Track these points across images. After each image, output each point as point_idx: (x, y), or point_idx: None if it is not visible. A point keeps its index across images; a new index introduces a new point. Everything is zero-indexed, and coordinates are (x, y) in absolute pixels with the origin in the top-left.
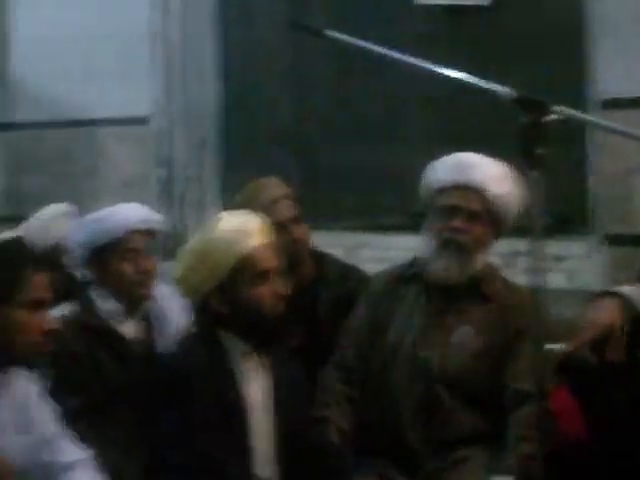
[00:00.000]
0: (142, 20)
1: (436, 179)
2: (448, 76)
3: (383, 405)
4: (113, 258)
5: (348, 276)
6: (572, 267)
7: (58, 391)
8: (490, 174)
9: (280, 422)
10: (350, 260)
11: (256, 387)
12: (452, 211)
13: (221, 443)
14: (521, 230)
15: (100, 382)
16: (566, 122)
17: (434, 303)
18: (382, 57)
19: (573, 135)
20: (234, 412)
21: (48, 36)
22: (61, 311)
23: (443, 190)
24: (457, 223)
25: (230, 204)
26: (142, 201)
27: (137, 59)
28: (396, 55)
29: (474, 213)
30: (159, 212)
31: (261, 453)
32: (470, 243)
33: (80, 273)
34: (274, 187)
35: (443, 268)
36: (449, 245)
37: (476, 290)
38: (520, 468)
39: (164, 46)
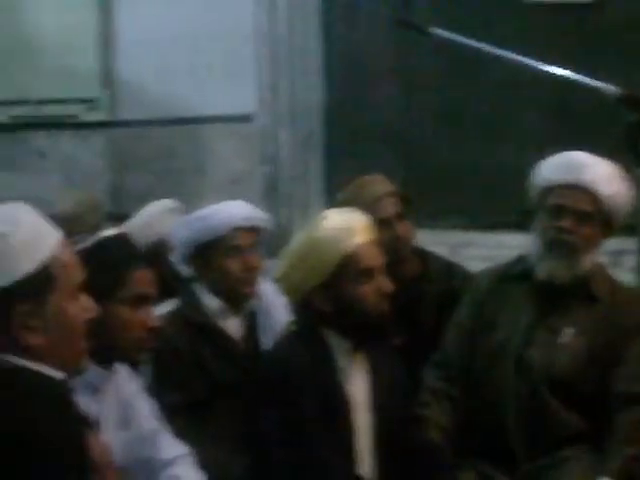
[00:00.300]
0: (247, 18)
1: (545, 178)
2: (554, 74)
3: (486, 404)
4: (217, 255)
5: (452, 274)
6: None
7: (159, 387)
8: (600, 174)
9: (379, 421)
10: (455, 258)
11: (358, 385)
12: (560, 211)
13: (325, 442)
14: (628, 228)
15: (202, 379)
16: None
17: (540, 303)
18: (488, 55)
19: None
20: (338, 411)
21: (153, 36)
22: (165, 308)
23: (552, 189)
24: (565, 223)
25: (334, 202)
26: (246, 199)
27: (242, 57)
28: (502, 53)
29: (583, 213)
30: (263, 210)
31: (362, 452)
32: (578, 243)
33: (184, 270)
34: (378, 184)
35: (549, 268)
36: (556, 245)
37: (583, 290)
38: (625, 470)
39: (269, 44)
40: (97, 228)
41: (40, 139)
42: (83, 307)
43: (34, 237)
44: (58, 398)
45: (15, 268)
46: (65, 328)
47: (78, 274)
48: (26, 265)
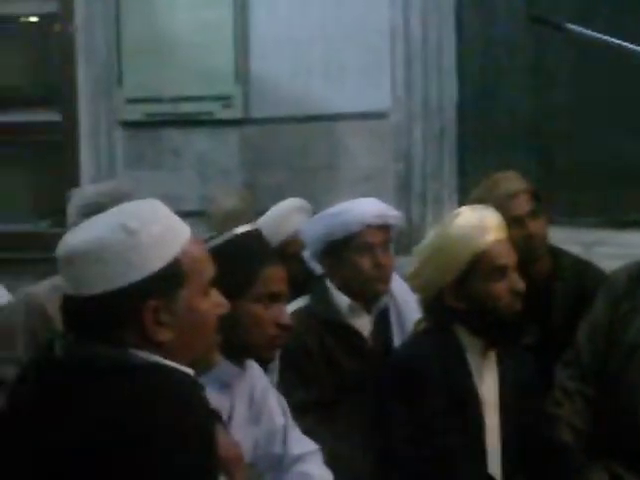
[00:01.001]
0: (382, 16)
1: None
2: None
3: (619, 404)
4: (348, 252)
5: (584, 272)
6: None
7: (288, 384)
8: None
9: (509, 420)
10: (589, 257)
11: (488, 384)
12: None
13: (453, 440)
14: None
15: (331, 377)
16: None
17: None
18: (623, 50)
19: None
20: (468, 410)
21: (288, 34)
22: (296, 305)
23: None
24: None
25: (467, 199)
26: (379, 196)
27: (376, 55)
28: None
29: None
30: (395, 207)
31: (491, 452)
32: None
33: (315, 267)
34: (512, 181)
35: None
36: None
37: None
38: None
39: (404, 41)
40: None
41: (175, 137)
42: (214, 303)
43: (165, 233)
44: (189, 394)
45: (146, 264)
46: (196, 324)
47: (209, 270)
48: (157, 261)
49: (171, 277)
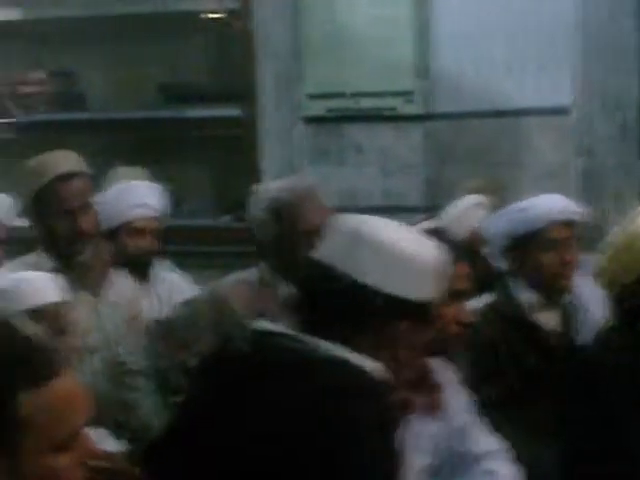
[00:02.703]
0: (564, 11)
1: None
2: None
3: None
4: (533, 249)
5: None
6: None
7: (473, 381)
8: None
9: None
10: None
11: None
12: None
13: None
14: None
15: (517, 373)
16: None
17: None
18: None
19: None
20: None
21: (469, 28)
22: (480, 302)
23: None
24: None
25: None
26: (562, 192)
27: (558, 49)
28: None
29: None
30: (579, 203)
31: None
32: None
33: (498, 263)
34: None
35: None
36: None
37: None
38: None
39: (584, 35)
40: None
41: (357, 132)
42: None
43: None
44: (373, 388)
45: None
46: None
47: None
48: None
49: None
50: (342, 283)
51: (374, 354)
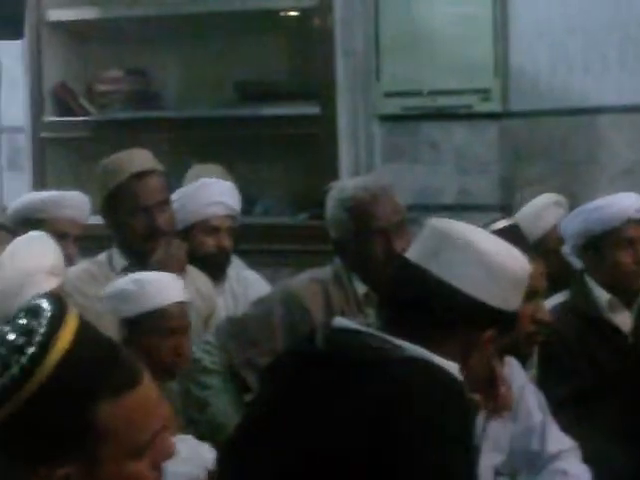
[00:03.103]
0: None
1: None
2: None
3: None
4: (608, 247)
5: None
6: None
7: (547, 379)
8: None
9: None
10: None
11: None
12: None
13: None
14: None
15: (592, 372)
16: None
17: None
18: None
19: None
20: None
21: (547, 26)
22: (556, 300)
23: None
24: None
25: None
26: (639, 190)
27: (637, 46)
28: None
29: None
30: None
31: None
32: None
33: (575, 262)
34: None
35: None
36: None
37: None
38: None
39: None
40: None
41: (432, 130)
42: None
43: None
44: (449, 388)
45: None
46: None
47: None
48: None
49: None
50: (432, 285)
51: (452, 356)
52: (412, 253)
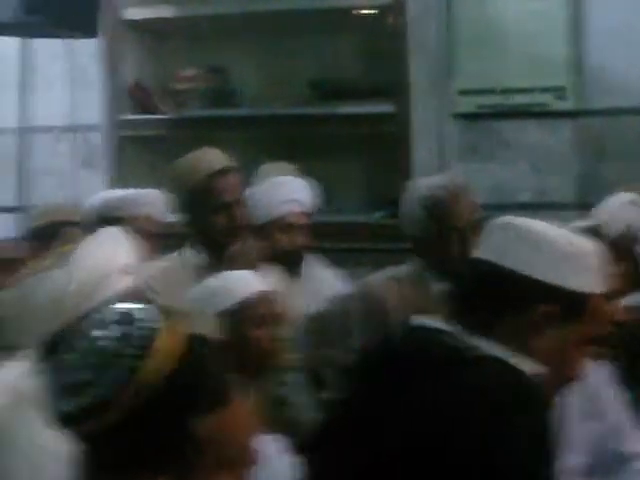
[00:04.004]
0: None
1: None
2: None
3: None
4: None
5: None
6: None
7: (627, 379)
8: None
9: None
10: None
11: None
12: None
13: None
14: None
15: None
16: None
17: None
18: None
19: None
20: None
21: (623, 23)
22: (633, 300)
23: None
24: None
25: None
26: None
27: None
28: None
29: None
30: None
31: None
32: None
33: None
34: None
35: None
36: None
37: None
38: None
39: None
40: None
41: (507, 128)
42: None
43: None
44: (528, 389)
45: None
46: None
47: None
48: None
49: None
50: (507, 278)
51: (534, 352)
52: (481, 251)
